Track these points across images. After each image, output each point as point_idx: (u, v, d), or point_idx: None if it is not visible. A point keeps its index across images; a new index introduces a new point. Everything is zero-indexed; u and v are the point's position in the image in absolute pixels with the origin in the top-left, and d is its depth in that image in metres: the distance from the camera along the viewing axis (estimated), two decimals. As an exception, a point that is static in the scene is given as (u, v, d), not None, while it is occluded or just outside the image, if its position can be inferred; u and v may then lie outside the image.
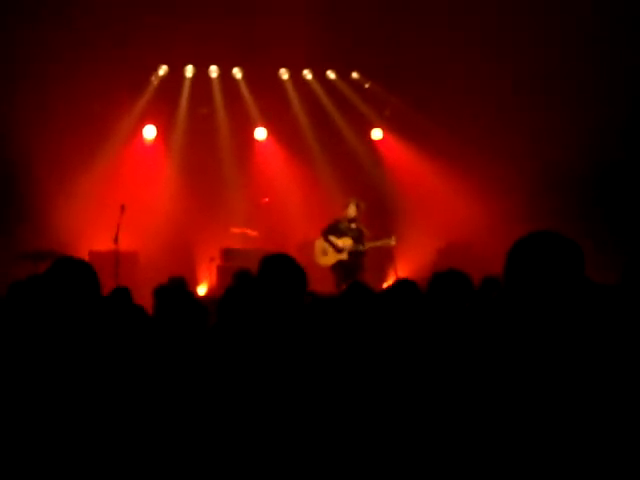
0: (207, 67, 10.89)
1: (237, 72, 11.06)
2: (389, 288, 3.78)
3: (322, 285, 7.60)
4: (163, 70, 10.77)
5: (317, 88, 11.32)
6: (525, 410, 1.99)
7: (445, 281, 3.64)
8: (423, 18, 9.83)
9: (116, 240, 8.50)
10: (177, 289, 4.87)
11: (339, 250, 8.54)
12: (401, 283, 3.69)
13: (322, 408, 2.67)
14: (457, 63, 9.87)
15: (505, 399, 2.04)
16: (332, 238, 8.56)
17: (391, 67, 10.72)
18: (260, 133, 11.29)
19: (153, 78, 10.78)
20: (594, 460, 1.91)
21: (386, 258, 9.26)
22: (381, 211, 10.66)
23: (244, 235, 10.38)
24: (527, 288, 2.09)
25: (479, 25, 9.62)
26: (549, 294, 2.06)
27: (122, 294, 4.51)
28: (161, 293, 4.86)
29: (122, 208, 8.61)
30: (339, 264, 8.55)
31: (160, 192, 10.55)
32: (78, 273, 2.75)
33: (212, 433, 2.62)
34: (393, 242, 8.60)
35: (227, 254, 9.92)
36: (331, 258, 8.59)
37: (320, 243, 8.70)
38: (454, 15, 9.76)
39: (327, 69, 11.25)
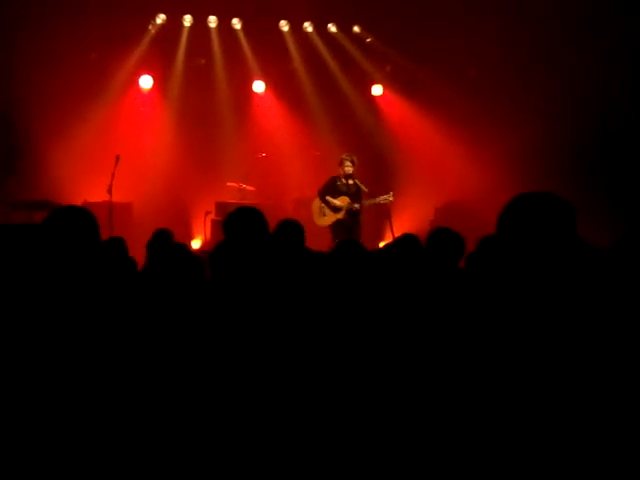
0: (206, 17, 10.67)
1: (236, 23, 10.83)
2: (393, 242, 3.77)
3: (319, 243, 7.56)
4: (161, 19, 10.54)
5: (318, 41, 11.12)
6: (517, 367, 2.00)
7: (440, 239, 3.66)
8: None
9: (110, 191, 8.43)
10: (168, 242, 4.83)
11: (336, 210, 8.46)
12: (405, 238, 3.68)
13: (318, 359, 2.68)
14: (459, 20, 9.69)
15: (498, 356, 2.05)
16: (329, 198, 8.48)
17: (393, 23, 10.52)
18: (258, 86, 11.13)
19: (151, 27, 10.57)
20: (580, 419, 1.93)
21: (383, 216, 9.19)
22: (380, 168, 10.59)
23: (240, 189, 10.32)
24: (519, 246, 2.11)
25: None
26: (540, 251, 2.08)
27: (117, 244, 4.46)
28: (154, 246, 4.84)
29: (117, 159, 8.51)
30: (337, 223, 8.48)
31: (156, 143, 10.45)
32: (78, 219, 2.75)
33: (209, 388, 2.62)
34: (391, 198, 8.45)
35: (222, 208, 9.86)
36: (329, 218, 8.51)
37: (317, 203, 8.61)
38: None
39: (328, 22, 11.03)
